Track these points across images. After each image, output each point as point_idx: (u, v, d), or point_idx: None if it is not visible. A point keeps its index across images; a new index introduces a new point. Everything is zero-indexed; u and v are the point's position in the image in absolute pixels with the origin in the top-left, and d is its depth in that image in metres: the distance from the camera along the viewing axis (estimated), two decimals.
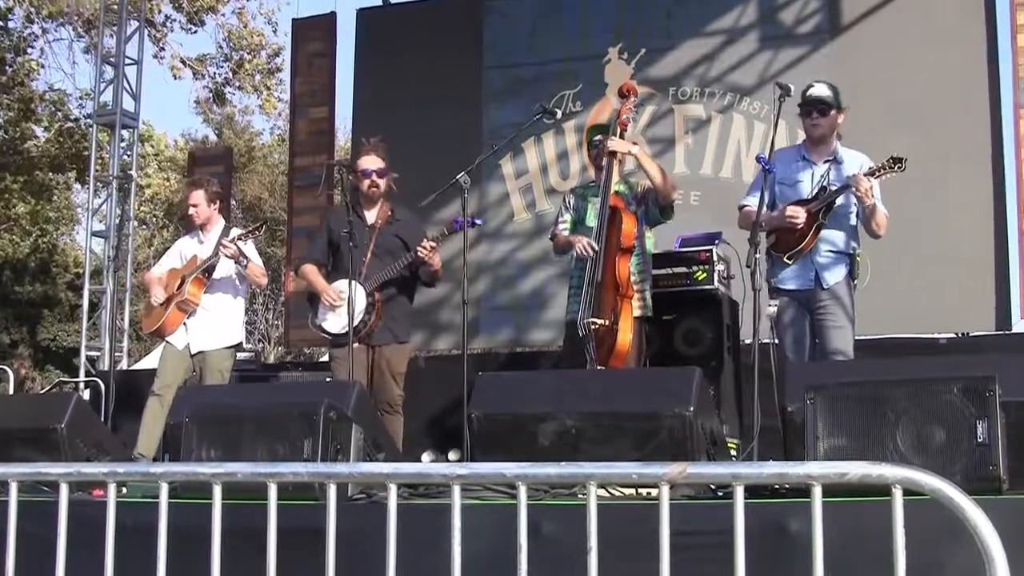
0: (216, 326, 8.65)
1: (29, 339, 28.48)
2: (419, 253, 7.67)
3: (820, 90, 7.24)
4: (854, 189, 6.89)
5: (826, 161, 7.24)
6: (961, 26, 10.84)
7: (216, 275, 8.64)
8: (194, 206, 8.85)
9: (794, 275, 7.17)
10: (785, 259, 7.15)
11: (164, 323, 8.58)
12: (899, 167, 6.88)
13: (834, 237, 7.16)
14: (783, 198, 7.29)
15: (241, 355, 12.00)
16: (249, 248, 8.62)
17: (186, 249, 8.92)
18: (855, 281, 7.24)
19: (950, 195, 9.92)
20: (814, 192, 7.17)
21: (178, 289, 8.59)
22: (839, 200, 7.08)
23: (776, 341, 7.22)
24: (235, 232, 8.64)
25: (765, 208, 7.24)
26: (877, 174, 6.93)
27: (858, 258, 7.23)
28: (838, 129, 7.34)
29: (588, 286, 7.34)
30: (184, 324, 8.62)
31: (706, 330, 8.57)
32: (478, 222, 7.97)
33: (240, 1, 23.98)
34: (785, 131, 10.74)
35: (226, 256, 8.41)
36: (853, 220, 7.22)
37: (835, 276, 7.15)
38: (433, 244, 7.66)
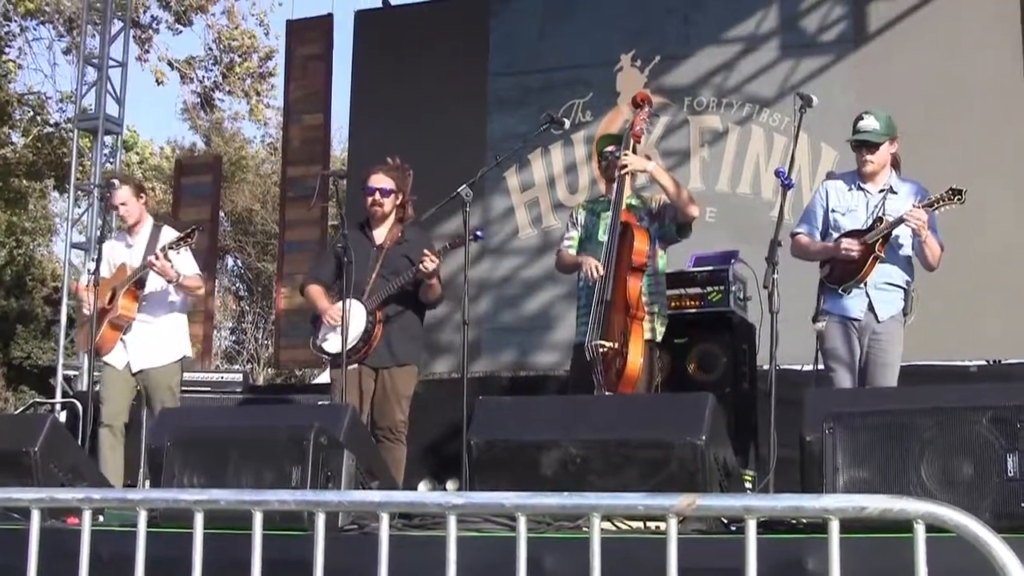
0: (157, 340, 8.46)
1: (2, 357, 28.41)
2: (421, 267, 7.67)
3: (867, 124, 7.27)
4: (910, 221, 6.93)
5: (881, 190, 7.30)
6: (995, 35, 10.85)
7: (149, 287, 8.41)
8: (123, 204, 8.55)
9: (847, 305, 7.23)
10: (840, 291, 7.20)
11: (99, 341, 8.31)
12: (958, 199, 6.92)
13: (889, 269, 7.23)
14: (837, 227, 7.35)
15: (230, 376, 12.04)
16: (183, 258, 8.36)
17: (114, 255, 8.61)
18: (907, 317, 7.30)
19: (983, 214, 9.90)
20: (869, 222, 7.21)
21: (110, 303, 8.33)
22: (894, 231, 7.12)
23: (821, 366, 7.26)
24: (166, 235, 8.46)
25: (817, 236, 7.39)
26: (935, 206, 6.98)
27: (912, 292, 7.30)
28: (895, 157, 7.40)
29: (596, 306, 7.32)
30: (121, 341, 8.39)
31: (720, 354, 8.57)
32: (480, 235, 7.92)
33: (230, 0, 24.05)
34: (807, 144, 10.79)
35: (154, 272, 8.20)
36: (908, 251, 7.29)
37: (889, 310, 7.23)
38: (435, 258, 7.65)
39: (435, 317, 11.46)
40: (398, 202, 8.09)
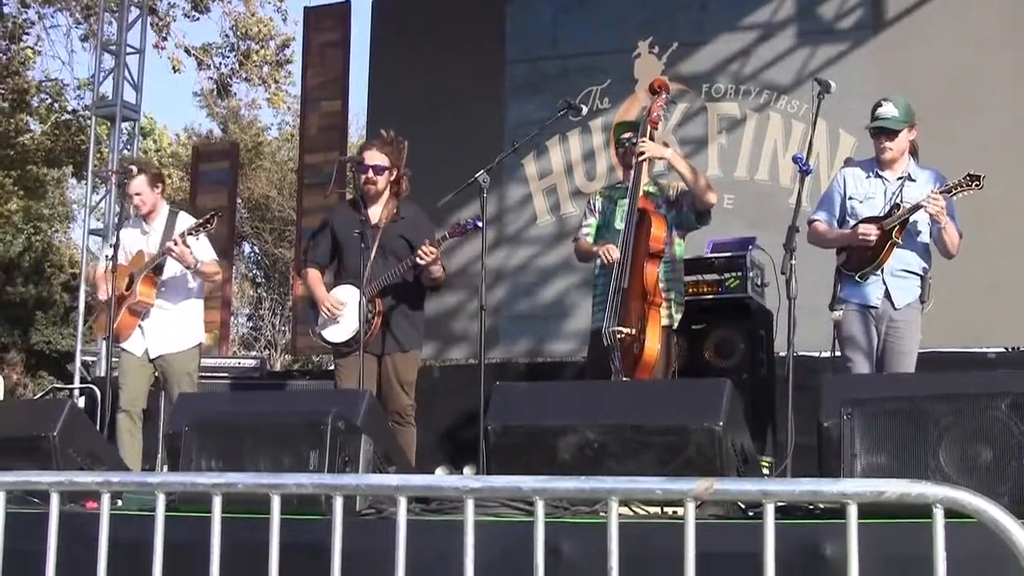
0: (175, 326, 8.48)
1: (21, 343, 28.48)
2: (418, 259, 7.65)
3: (886, 111, 7.25)
4: (928, 207, 6.90)
5: (899, 178, 7.27)
6: (1014, 22, 10.81)
7: (167, 273, 8.43)
8: (137, 194, 8.52)
9: (863, 292, 7.20)
10: (857, 278, 7.17)
11: (117, 327, 8.33)
12: (977, 185, 6.90)
13: (907, 256, 7.20)
14: (854, 214, 7.32)
15: (247, 362, 12.05)
16: (201, 244, 8.39)
17: (130, 243, 8.60)
18: (924, 304, 7.27)
19: (1001, 202, 9.85)
20: (887, 209, 7.18)
21: (127, 289, 8.34)
22: (912, 218, 7.08)
23: (839, 352, 7.24)
24: (183, 222, 8.47)
25: (835, 223, 7.36)
26: (953, 192, 6.96)
27: (929, 280, 7.27)
28: (914, 144, 7.38)
29: (614, 293, 7.32)
30: (140, 327, 8.41)
31: (738, 340, 8.56)
32: (475, 224, 7.75)
33: None
34: (825, 130, 10.76)
35: (172, 258, 8.22)
36: (925, 238, 7.27)
37: (906, 297, 7.21)
38: (433, 250, 7.62)
39: (451, 305, 11.50)
40: (392, 178, 8.04)
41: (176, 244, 8.13)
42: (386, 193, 8.04)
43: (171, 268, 8.42)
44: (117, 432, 8.27)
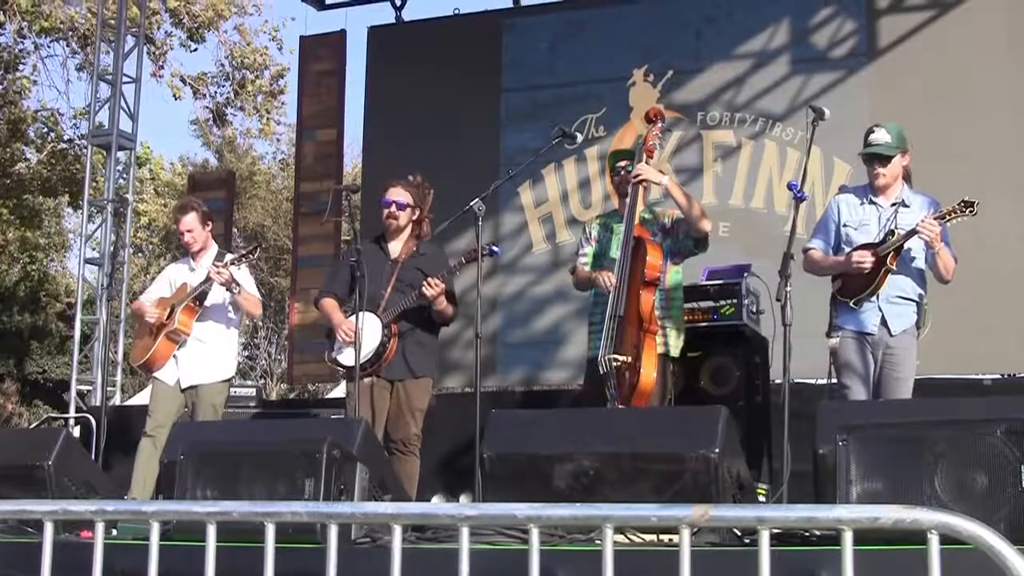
0: (209, 358, 8.55)
1: (16, 372, 28.42)
2: (423, 292, 7.67)
3: (879, 138, 7.24)
4: (922, 233, 6.91)
5: (893, 204, 7.26)
6: (1007, 49, 10.84)
7: (208, 302, 8.54)
8: (188, 231, 8.70)
9: (859, 318, 7.18)
10: (852, 304, 7.16)
11: (153, 355, 8.47)
12: (970, 211, 6.89)
13: (902, 282, 7.17)
14: (849, 241, 7.31)
15: (243, 391, 12.04)
16: (243, 274, 8.52)
17: (176, 276, 8.80)
18: (920, 331, 7.26)
19: (997, 228, 9.87)
20: (881, 235, 7.17)
21: (168, 318, 8.47)
22: (907, 244, 7.09)
23: (834, 380, 7.23)
24: (229, 257, 8.55)
25: (830, 251, 7.37)
26: (947, 218, 6.95)
27: (925, 306, 7.25)
28: (907, 170, 7.38)
29: (610, 321, 7.31)
30: (174, 356, 8.50)
31: (733, 368, 8.55)
32: (496, 250, 7.92)
33: (242, 16, 24.09)
34: (820, 158, 10.77)
35: (218, 282, 8.30)
36: (920, 265, 7.24)
37: (902, 323, 7.17)
38: (437, 282, 7.64)
39: (447, 333, 11.45)
40: (414, 217, 8.07)
41: (219, 272, 8.26)
42: (407, 231, 8.09)
43: (213, 298, 8.56)
44: (137, 454, 8.37)
